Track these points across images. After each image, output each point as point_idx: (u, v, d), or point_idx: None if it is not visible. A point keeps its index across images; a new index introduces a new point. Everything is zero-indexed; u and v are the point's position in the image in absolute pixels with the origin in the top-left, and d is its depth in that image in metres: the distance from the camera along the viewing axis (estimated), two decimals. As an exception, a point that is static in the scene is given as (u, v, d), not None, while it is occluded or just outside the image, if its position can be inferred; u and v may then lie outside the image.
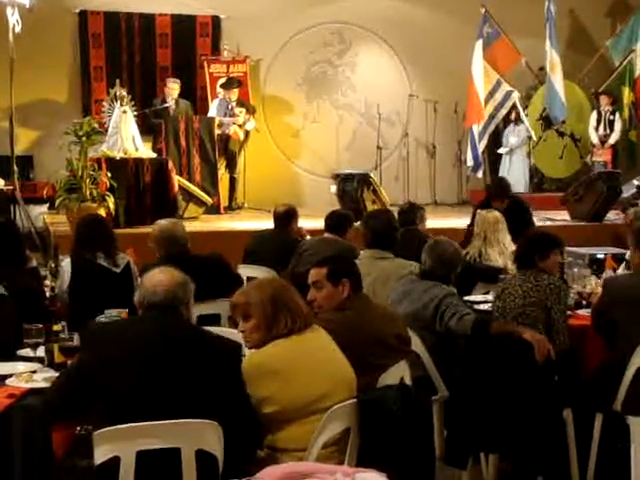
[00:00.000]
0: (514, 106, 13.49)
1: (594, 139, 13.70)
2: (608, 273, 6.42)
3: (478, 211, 7.59)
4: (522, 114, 13.49)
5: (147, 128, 11.90)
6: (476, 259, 6.88)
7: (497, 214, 7.09)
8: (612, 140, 13.59)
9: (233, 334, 4.64)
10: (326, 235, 7.03)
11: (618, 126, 13.60)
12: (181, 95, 12.60)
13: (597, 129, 13.69)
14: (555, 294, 5.04)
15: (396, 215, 7.00)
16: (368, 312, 4.33)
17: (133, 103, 10.99)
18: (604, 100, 13.76)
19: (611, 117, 13.64)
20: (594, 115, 13.82)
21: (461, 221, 10.34)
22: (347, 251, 6.37)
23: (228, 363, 3.51)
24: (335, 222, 7.09)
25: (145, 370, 3.36)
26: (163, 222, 6.15)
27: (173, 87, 12.43)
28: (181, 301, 3.59)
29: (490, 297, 6.03)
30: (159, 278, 3.60)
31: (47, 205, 11.20)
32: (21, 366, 4.20)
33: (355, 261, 4.57)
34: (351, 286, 4.34)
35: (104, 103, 11.26)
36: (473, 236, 7.09)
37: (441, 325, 4.99)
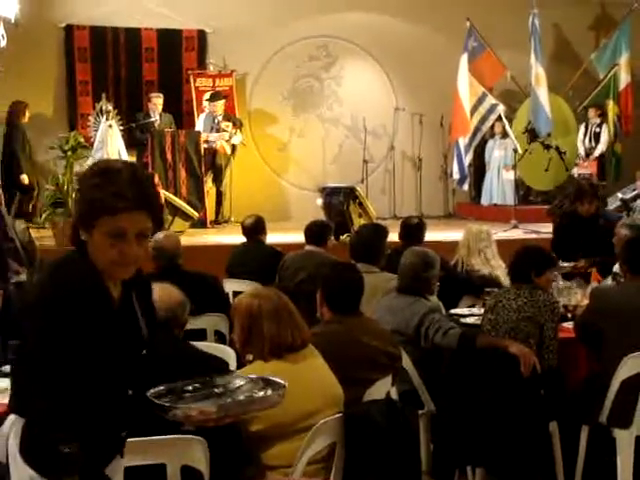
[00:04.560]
0: (499, 119, 13.55)
1: (581, 151, 13.77)
2: (593, 285, 6.44)
3: (467, 224, 7.58)
4: (507, 127, 13.53)
5: (133, 142, 11.90)
6: (465, 267, 6.87)
7: (483, 228, 7.10)
8: (597, 152, 13.65)
9: (221, 349, 4.66)
10: (307, 248, 7.02)
11: (604, 138, 13.66)
12: (167, 109, 12.61)
13: (583, 142, 13.76)
14: (549, 311, 5.03)
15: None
16: (357, 327, 4.32)
17: (119, 117, 11.00)
18: (592, 113, 13.85)
19: (597, 129, 13.71)
20: (582, 128, 13.90)
21: (447, 234, 10.37)
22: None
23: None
24: (315, 233, 7.09)
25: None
26: (156, 234, 6.10)
27: (157, 102, 12.43)
28: (177, 321, 3.61)
29: (476, 310, 6.04)
30: (158, 295, 3.61)
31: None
32: (4, 383, 4.17)
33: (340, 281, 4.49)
34: (331, 308, 4.35)
35: (90, 117, 11.26)
36: (458, 246, 7.11)
37: (426, 342, 5.00)
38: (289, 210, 14.04)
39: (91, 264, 2.55)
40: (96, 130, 10.75)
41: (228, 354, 4.54)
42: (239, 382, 2.71)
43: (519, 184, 13.61)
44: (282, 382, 2.70)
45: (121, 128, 10.93)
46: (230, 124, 12.58)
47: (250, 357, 3.74)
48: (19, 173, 11.29)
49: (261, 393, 2.66)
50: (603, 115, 13.90)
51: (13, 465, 2.58)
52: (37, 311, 2.53)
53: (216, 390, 2.66)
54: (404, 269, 5.32)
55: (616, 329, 4.93)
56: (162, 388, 2.63)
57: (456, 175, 13.92)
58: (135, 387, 2.69)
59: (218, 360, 3.68)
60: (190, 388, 2.66)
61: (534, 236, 10.83)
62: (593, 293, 5.47)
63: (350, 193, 10.84)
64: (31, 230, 11.00)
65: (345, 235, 9.80)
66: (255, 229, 7.62)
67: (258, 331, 3.66)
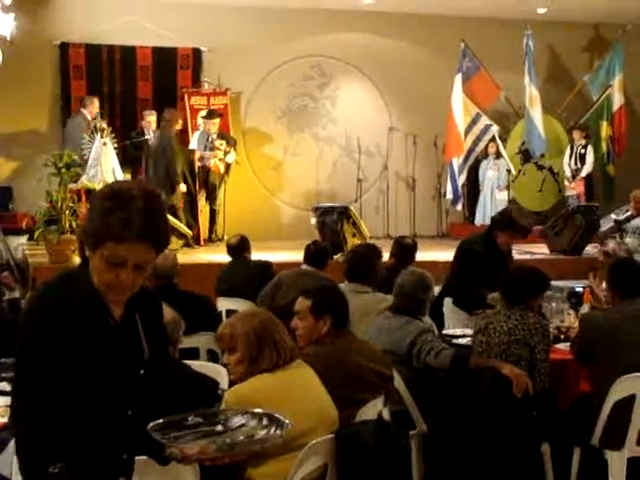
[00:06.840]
0: (493, 140, 13.60)
1: (567, 173, 13.84)
2: (586, 307, 6.43)
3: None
4: (501, 148, 13.58)
5: (127, 160, 11.90)
6: None
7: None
8: (583, 173, 13.70)
9: (214, 369, 4.65)
10: (304, 267, 7.02)
11: (589, 159, 13.70)
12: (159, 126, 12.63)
13: (569, 163, 13.82)
14: (540, 334, 5.02)
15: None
16: (349, 348, 4.31)
17: (114, 135, 10.99)
18: (577, 135, 13.90)
19: (582, 151, 13.75)
20: (567, 150, 13.96)
21: (441, 254, 10.37)
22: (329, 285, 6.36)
23: (206, 400, 3.49)
24: (315, 255, 7.06)
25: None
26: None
27: (150, 119, 12.43)
28: (170, 339, 3.59)
29: (469, 331, 6.03)
30: None
31: (27, 236, 11.15)
32: (-5, 400, 4.16)
33: (342, 298, 4.51)
34: (332, 323, 4.32)
35: (84, 135, 11.25)
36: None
37: (418, 362, 4.99)
38: (283, 229, 14.04)
39: (90, 280, 2.53)
40: (90, 148, 10.75)
41: (220, 373, 4.54)
42: (241, 420, 2.62)
43: (513, 204, 13.64)
44: (286, 421, 2.60)
45: (115, 146, 10.93)
46: (224, 142, 12.59)
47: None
48: (177, 183, 11.67)
49: (262, 432, 2.57)
50: (588, 137, 13.96)
51: None
52: (27, 325, 2.52)
53: (216, 428, 2.57)
54: (401, 289, 5.31)
55: (606, 352, 4.94)
56: (161, 421, 2.55)
57: (450, 195, 13.94)
58: (135, 407, 2.66)
59: (209, 380, 3.66)
60: (190, 423, 2.57)
61: (528, 257, 10.85)
62: (581, 319, 5.49)
63: (344, 212, 10.85)
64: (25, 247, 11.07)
65: (339, 254, 9.80)
66: (241, 247, 7.74)
67: (265, 344, 3.65)
